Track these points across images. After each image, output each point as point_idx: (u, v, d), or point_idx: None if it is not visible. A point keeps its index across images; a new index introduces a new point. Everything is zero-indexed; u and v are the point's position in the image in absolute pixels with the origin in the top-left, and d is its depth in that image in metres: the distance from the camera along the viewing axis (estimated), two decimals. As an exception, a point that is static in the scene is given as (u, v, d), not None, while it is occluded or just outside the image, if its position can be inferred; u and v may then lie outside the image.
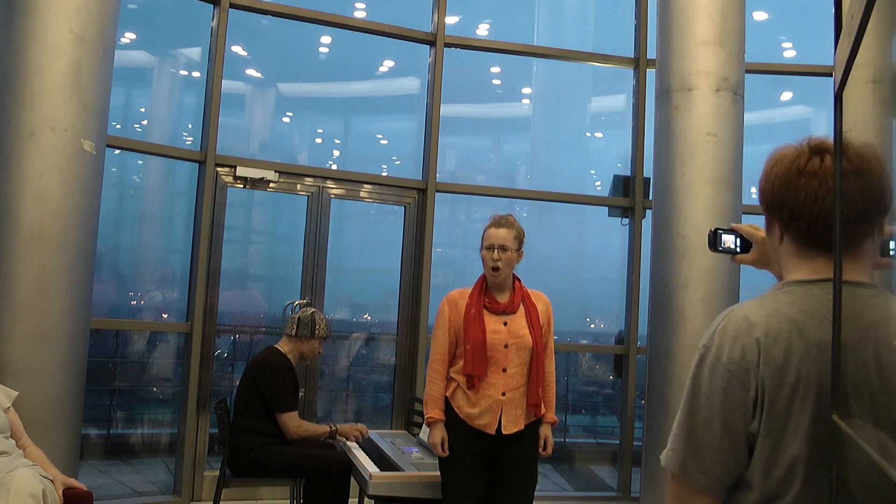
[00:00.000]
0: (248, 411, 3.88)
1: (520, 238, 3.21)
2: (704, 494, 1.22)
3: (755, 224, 1.82)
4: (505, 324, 3.13)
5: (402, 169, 6.50)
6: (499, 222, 3.20)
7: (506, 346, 3.10)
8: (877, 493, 0.83)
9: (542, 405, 3.18)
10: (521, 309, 3.18)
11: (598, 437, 7.02)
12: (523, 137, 7.54)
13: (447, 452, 3.11)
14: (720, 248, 1.77)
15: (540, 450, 3.21)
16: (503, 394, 3.08)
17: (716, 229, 1.75)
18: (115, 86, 4.08)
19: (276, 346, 4.05)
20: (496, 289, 3.19)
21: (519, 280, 3.27)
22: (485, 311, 3.14)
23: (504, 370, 3.09)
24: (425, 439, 3.82)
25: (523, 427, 3.12)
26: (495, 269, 3.14)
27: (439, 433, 3.10)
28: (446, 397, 3.14)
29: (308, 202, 5.32)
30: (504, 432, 3.09)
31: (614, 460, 5.86)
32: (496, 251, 3.14)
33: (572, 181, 6.67)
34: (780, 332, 1.19)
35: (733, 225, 1.78)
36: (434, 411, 3.12)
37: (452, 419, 3.12)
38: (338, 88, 7.08)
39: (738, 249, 1.77)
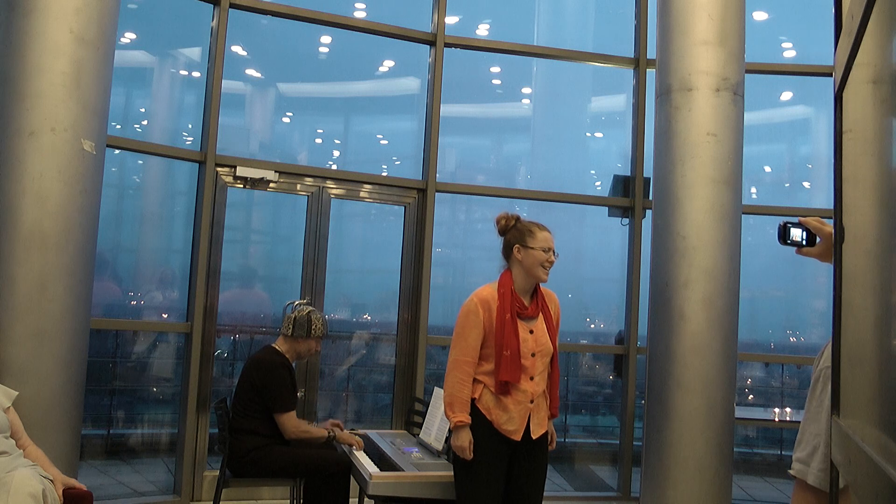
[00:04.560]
0: (247, 412, 3.88)
1: None
2: None
3: (820, 219, 1.87)
4: (531, 332, 3.14)
5: (402, 169, 6.50)
6: (543, 226, 3.22)
7: (533, 355, 3.12)
8: (878, 493, 0.83)
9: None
10: (540, 314, 3.21)
11: (598, 437, 7.02)
12: (523, 137, 7.54)
13: (471, 455, 3.08)
14: (788, 241, 1.84)
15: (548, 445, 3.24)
16: (531, 401, 3.11)
17: (785, 223, 1.83)
18: (115, 86, 4.08)
19: (272, 345, 4.03)
20: (523, 291, 3.19)
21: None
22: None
23: (532, 378, 3.11)
24: (425, 438, 3.82)
25: (546, 429, 3.18)
26: (549, 271, 3.17)
27: (467, 437, 3.07)
28: (472, 399, 3.11)
29: (308, 202, 5.32)
30: (533, 437, 3.11)
31: (614, 460, 5.86)
32: (552, 254, 3.17)
33: (572, 181, 6.66)
34: None
35: (801, 219, 1.85)
36: (463, 415, 3.08)
37: (478, 420, 3.10)
38: (338, 88, 7.07)
39: (804, 243, 1.84)
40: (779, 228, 1.80)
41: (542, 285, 3.28)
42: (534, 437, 3.12)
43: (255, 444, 3.83)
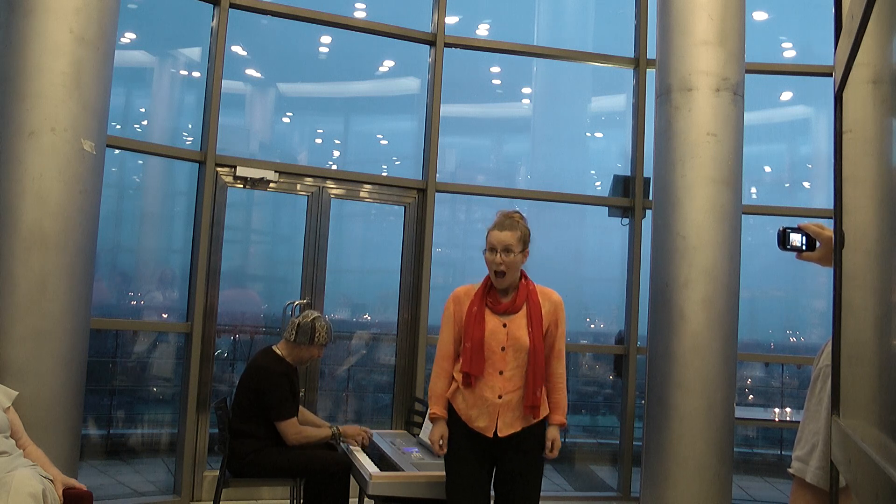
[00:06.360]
0: (246, 415, 3.86)
1: (525, 239, 3.11)
2: None
3: (821, 223, 1.87)
4: (504, 325, 3.07)
5: (402, 169, 6.50)
6: (502, 224, 3.09)
7: (503, 349, 3.05)
8: (878, 493, 0.83)
9: (543, 407, 3.10)
10: (524, 309, 3.10)
11: (598, 437, 7.02)
12: (523, 137, 7.54)
13: (444, 450, 3.10)
14: (788, 247, 1.84)
15: (546, 451, 3.13)
16: (500, 396, 3.04)
17: (784, 228, 1.83)
18: (115, 86, 4.08)
19: (274, 347, 4.01)
20: (502, 289, 3.14)
21: (526, 277, 3.18)
22: (486, 311, 3.09)
23: (501, 373, 3.05)
24: (425, 438, 3.82)
25: (520, 429, 3.07)
26: (498, 273, 3.06)
27: (439, 430, 3.09)
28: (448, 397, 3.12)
29: (308, 202, 5.32)
30: (500, 434, 3.05)
31: (614, 460, 5.86)
32: (499, 254, 3.05)
33: (572, 181, 6.67)
34: None
35: (800, 224, 1.85)
36: (437, 408, 3.10)
37: (454, 418, 3.10)
38: (338, 88, 7.07)
39: (804, 248, 1.84)
40: (778, 234, 1.79)
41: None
42: (500, 435, 3.04)
43: (254, 446, 3.82)
